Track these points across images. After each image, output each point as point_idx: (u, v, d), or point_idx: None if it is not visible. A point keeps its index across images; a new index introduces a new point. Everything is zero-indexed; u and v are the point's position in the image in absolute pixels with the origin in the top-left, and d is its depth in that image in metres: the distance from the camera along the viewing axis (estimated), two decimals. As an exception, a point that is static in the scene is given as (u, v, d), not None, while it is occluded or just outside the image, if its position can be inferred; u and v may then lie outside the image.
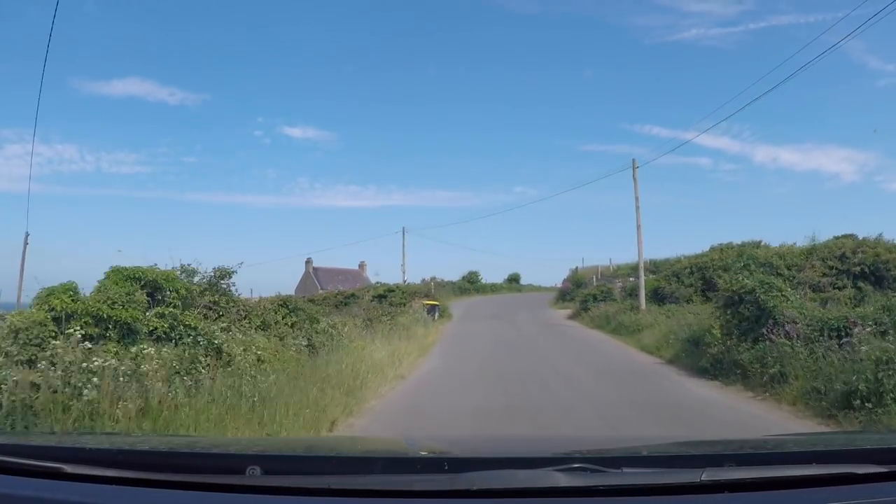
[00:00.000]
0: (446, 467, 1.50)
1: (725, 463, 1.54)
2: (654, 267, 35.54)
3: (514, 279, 66.39)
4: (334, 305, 31.73)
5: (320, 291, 43.76)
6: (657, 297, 26.32)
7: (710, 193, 79.90)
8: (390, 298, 34.20)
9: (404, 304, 32.12)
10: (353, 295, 36.14)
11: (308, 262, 55.08)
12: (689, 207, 77.46)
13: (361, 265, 56.81)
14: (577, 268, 50.25)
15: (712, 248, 28.65)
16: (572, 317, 33.18)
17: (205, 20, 76.96)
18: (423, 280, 48.28)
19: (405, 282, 41.11)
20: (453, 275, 59.42)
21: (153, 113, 77.89)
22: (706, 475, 1.39)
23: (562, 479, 1.41)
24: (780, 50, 68.56)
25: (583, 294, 34.73)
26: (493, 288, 60.35)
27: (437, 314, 31.42)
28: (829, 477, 1.44)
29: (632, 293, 29.28)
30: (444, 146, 79.32)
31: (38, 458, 1.57)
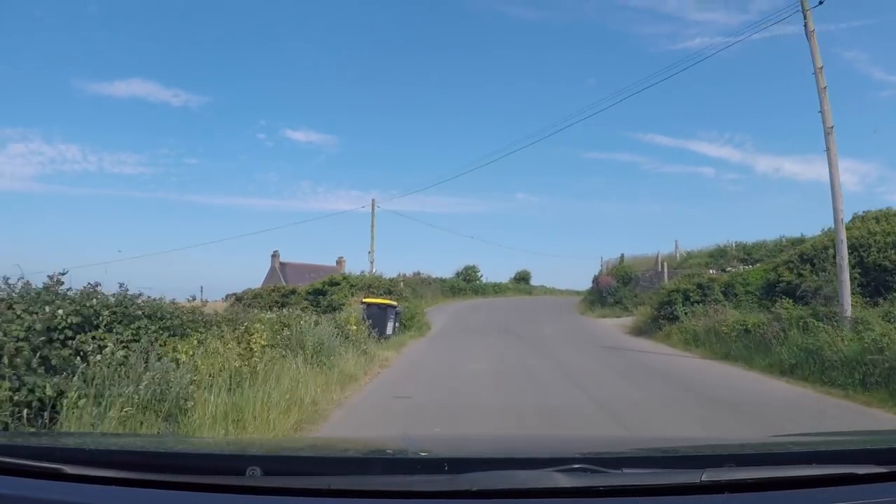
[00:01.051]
0: (446, 467, 1.50)
1: (725, 463, 1.54)
2: (744, 252, 26.33)
3: (522, 278, 54.61)
4: (267, 306, 23.41)
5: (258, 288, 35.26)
6: (773, 293, 16.94)
7: (712, 202, 79.22)
8: (330, 295, 25.09)
9: (344, 305, 22.45)
10: (293, 291, 29.43)
11: (274, 255, 48.57)
12: (692, 216, 76.91)
13: (339, 261, 47.49)
14: (621, 256, 35.29)
15: (860, 218, 17.61)
16: (640, 332, 20.89)
17: (208, 22, 76.90)
18: (400, 274, 35.06)
19: (374, 272, 31.18)
20: (446, 271, 49.88)
21: (156, 114, 77.73)
22: (706, 475, 1.39)
23: (562, 480, 1.41)
24: (784, 59, 68.56)
25: (663, 293, 20.72)
26: (497, 288, 48.92)
27: (393, 325, 18.84)
28: (829, 477, 1.44)
29: (727, 290, 19.14)
30: (446, 152, 78.52)
31: (38, 459, 1.57)
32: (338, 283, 27.25)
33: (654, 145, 79.74)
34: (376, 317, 17.57)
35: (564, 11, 75.36)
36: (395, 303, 20.29)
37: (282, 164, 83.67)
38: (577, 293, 44.74)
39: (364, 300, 19.58)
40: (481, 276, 49.65)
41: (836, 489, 1.40)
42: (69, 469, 1.51)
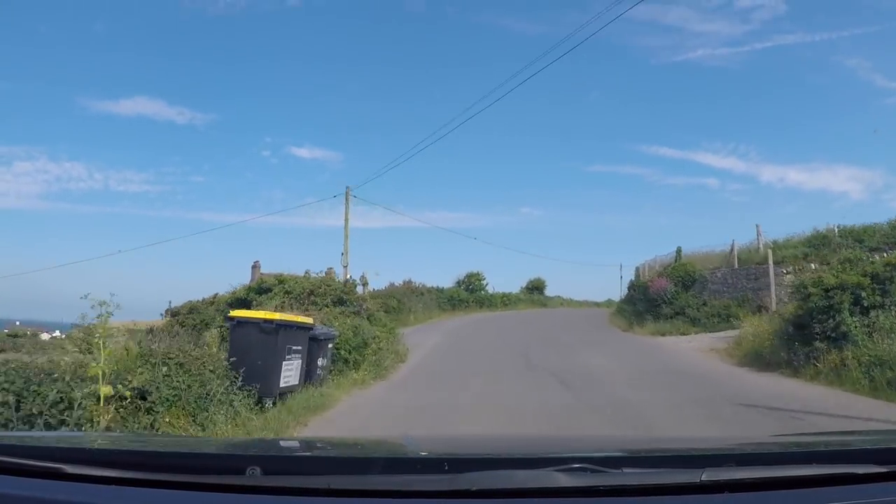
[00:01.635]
0: (446, 467, 1.50)
1: (725, 463, 1.54)
2: (853, 238, 19.99)
3: (535, 287, 46.86)
4: (203, 323, 18.73)
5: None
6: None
7: (718, 213, 78.51)
8: (256, 305, 16.97)
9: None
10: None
11: (255, 266, 41.42)
12: (697, 227, 76.22)
13: (329, 271, 39.83)
14: (678, 250, 26.59)
15: None
16: (760, 362, 12.97)
17: (212, 41, 76.92)
18: (363, 274, 23.92)
19: (349, 278, 23.58)
20: (446, 280, 42.85)
21: (161, 132, 77.69)
22: (706, 475, 1.39)
23: (562, 479, 1.41)
24: (786, 69, 68.47)
25: (815, 295, 11.69)
26: (506, 299, 41.23)
27: (302, 367, 9.61)
28: (829, 477, 1.45)
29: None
30: (449, 166, 77.47)
31: (38, 458, 1.57)
32: (268, 290, 18.50)
33: (659, 157, 79.69)
34: (258, 352, 8.52)
35: (566, 25, 75.27)
36: (308, 320, 10.22)
37: (287, 181, 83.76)
38: (597, 304, 40.44)
39: (231, 314, 9.55)
40: (487, 285, 41.53)
41: (835, 489, 1.41)
42: (69, 469, 1.51)
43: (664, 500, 1.39)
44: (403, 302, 29.45)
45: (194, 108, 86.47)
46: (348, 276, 24.08)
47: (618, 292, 42.11)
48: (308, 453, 2.07)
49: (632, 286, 31.03)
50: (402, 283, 33.77)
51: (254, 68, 78.85)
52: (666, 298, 23.34)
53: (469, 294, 39.19)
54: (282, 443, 3.92)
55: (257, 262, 46.57)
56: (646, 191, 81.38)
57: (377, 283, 32.76)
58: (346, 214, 26.54)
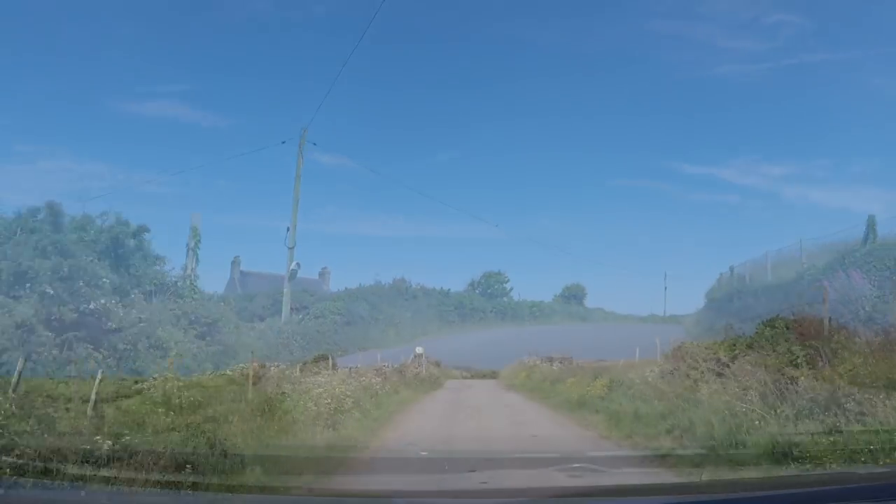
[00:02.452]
0: (446, 467, 1.50)
1: (725, 463, 1.55)
2: None
3: (573, 295, 36.39)
4: None
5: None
6: None
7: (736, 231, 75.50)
8: None
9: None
10: None
11: (234, 262, 35.85)
12: (714, 243, 73.58)
13: (323, 273, 30.88)
14: (870, 221, 17.61)
15: None
16: None
17: (238, 46, 76.13)
18: (324, 273, 17.17)
19: (291, 248, 16.56)
20: (458, 282, 33.85)
21: (184, 136, 76.61)
22: (706, 475, 1.40)
23: (562, 479, 1.41)
24: (811, 85, 67.25)
25: None
26: (536, 310, 31.21)
27: None
28: (829, 477, 1.45)
29: None
30: (470, 176, 74.73)
31: (38, 459, 1.57)
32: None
33: (682, 173, 77.38)
34: None
35: (590, 40, 73.73)
36: None
37: (311, 187, 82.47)
38: (642, 319, 32.01)
39: None
40: (511, 290, 31.93)
41: (836, 489, 1.41)
42: (69, 469, 1.52)
43: (664, 500, 1.39)
44: (381, 308, 21.56)
45: (217, 112, 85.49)
46: (294, 263, 17.32)
47: (660, 306, 34.84)
48: (308, 454, 2.07)
49: (738, 293, 17.28)
50: (393, 280, 25.64)
51: (277, 74, 77.89)
52: (863, 311, 12.26)
53: (487, 300, 29.44)
54: (282, 443, 3.93)
55: (237, 257, 36.12)
56: (669, 205, 78.93)
57: (367, 281, 25.82)
58: (299, 169, 18.53)
